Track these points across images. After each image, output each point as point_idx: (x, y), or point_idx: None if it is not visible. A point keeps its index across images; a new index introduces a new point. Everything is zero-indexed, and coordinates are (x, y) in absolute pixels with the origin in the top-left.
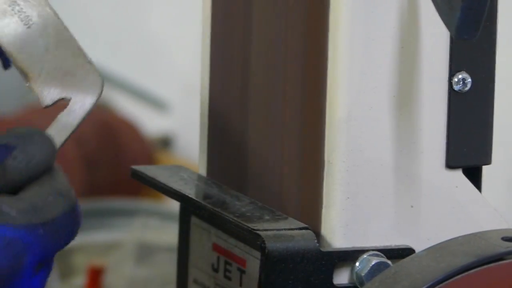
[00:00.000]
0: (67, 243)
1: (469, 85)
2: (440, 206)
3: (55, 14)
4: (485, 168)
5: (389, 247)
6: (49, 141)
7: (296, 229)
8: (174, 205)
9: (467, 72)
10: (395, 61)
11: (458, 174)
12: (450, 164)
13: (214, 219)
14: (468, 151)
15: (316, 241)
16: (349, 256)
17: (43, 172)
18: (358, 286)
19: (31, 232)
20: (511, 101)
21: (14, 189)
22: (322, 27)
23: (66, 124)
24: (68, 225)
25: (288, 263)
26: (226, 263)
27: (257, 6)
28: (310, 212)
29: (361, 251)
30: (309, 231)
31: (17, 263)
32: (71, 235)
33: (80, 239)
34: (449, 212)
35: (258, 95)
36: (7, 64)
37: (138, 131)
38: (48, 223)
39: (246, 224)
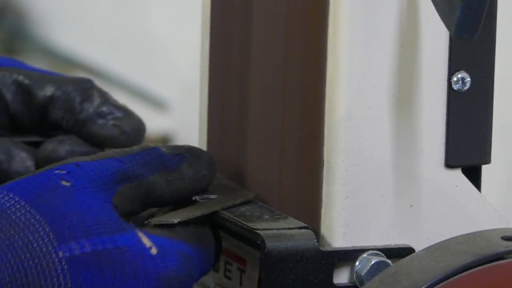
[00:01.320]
0: (207, 271)
1: (468, 85)
2: (439, 205)
3: None
4: (484, 168)
5: (389, 247)
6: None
7: (295, 228)
8: None
9: (467, 71)
10: (395, 60)
11: (458, 174)
12: (450, 164)
13: (214, 218)
14: (467, 151)
15: (315, 240)
16: (349, 256)
17: (205, 186)
18: (358, 286)
19: (199, 253)
20: (511, 101)
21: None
22: (322, 27)
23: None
24: (215, 256)
25: (287, 263)
26: (226, 262)
27: (257, 6)
28: (310, 211)
29: (361, 251)
30: (308, 230)
31: (190, 277)
32: (212, 265)
33: None
34: (448, 211)
35: (257, 94)
36: None
37: None
38: (206, 249)
39: (246, 223)
